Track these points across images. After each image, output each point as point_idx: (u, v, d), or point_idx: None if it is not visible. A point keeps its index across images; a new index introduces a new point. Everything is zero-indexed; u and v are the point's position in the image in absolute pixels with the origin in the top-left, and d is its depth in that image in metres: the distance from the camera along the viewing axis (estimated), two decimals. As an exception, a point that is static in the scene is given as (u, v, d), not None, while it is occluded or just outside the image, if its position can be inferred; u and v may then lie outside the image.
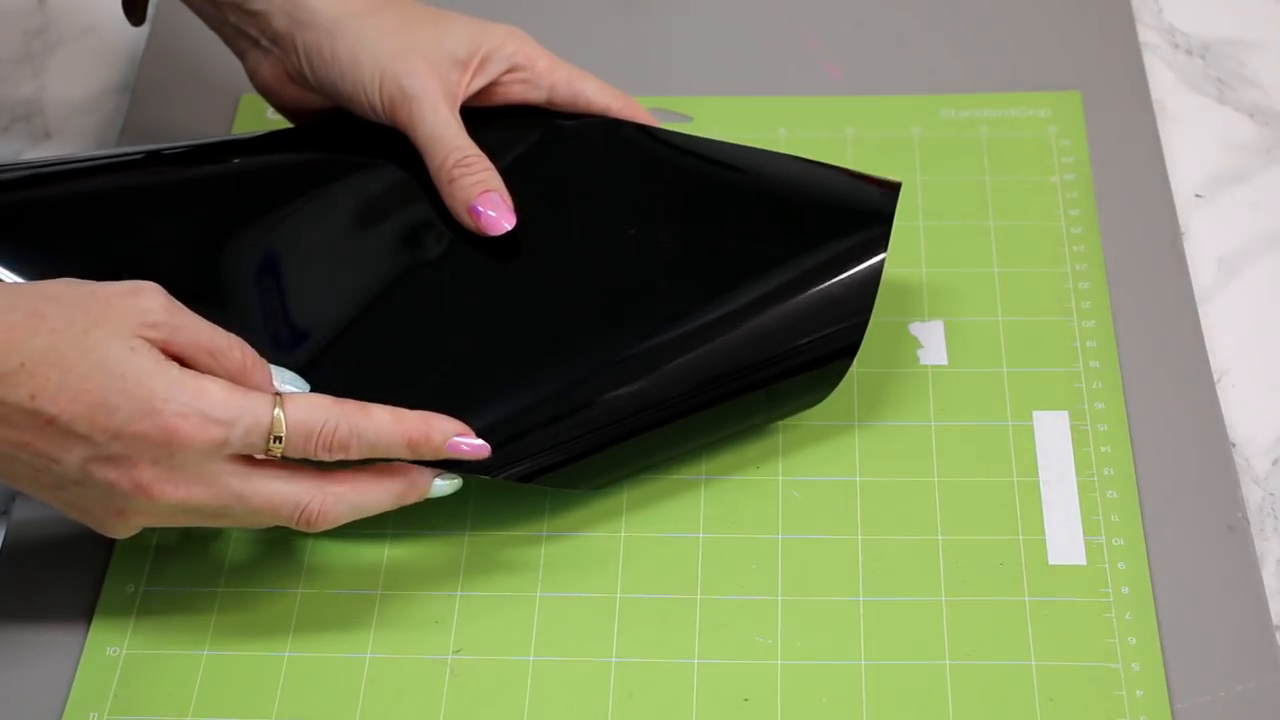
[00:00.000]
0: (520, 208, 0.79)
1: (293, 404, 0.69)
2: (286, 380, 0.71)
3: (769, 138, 0.92)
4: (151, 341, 0.67)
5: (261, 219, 0.79)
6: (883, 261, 0.77)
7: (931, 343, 0.83)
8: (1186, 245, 0.88)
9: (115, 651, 0.75)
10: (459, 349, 0.76)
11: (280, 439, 0.68)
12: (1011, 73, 0.95)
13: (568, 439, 0.74)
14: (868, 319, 0.77)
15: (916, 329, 0.84)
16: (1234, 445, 0.81)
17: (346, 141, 0.82)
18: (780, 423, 0.80)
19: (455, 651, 0.74)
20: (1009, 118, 0.92)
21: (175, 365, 0.67)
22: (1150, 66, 0.96)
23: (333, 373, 0.74)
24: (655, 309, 0.77)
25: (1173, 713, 0.71)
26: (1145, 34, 0.98)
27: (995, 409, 0.81)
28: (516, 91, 0.83)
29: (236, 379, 0.68)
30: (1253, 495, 0.79)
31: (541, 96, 0.83)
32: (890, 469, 0.79)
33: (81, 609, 0.76)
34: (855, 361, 0.78)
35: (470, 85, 0.81)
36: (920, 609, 0.75)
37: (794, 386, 0.78)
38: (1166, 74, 0.96)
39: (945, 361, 0.83)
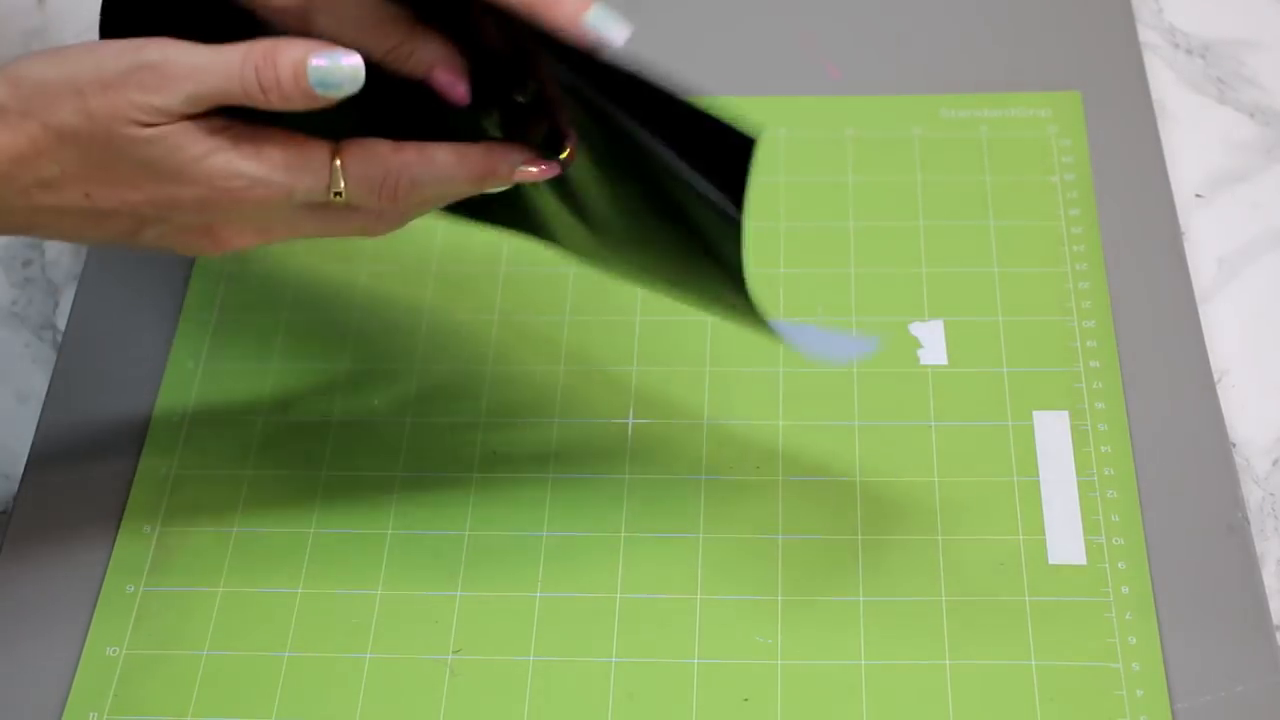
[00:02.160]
0: None
1: (351, 157, 0.68)
2: (325, 64, 0.68)
3: (769, 137, 0.91)
4: (186, 120, 0.66)
5: None
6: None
7: (931, 343, 0.83)
8: (1186, 245, 0.88)
9: (115, 651, 0.75)
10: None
11: (340, 194, 0.69)
12: (1011, 73, 0.95)
13: None
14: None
15: (916, 329, 0.84)
16: (1234, 445, 0.81)
17: None
18: (780, 423, 0.80)
19: (455, 651, 0.74)
20: (1009, 118, 0.93)
21: (224, 139, 0.67)
22: (1150, 66, 0.96)
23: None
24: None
25: (1173, 713, 0.71)
26: (1145, 34, 0.98)
27: (995, 409, 0.81)
28: None
29: (270, 91, 0.67)
30: (1253, 495, 0.79)
31: None
32: (890, 469, 0.79)
33: (81, 609, 0.76)
34: (855, 361, 0.78)
35: None
36: (920, 609, 0.75)
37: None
38: (1166, 74, 0.96)
39: (945, 361, 0.83)
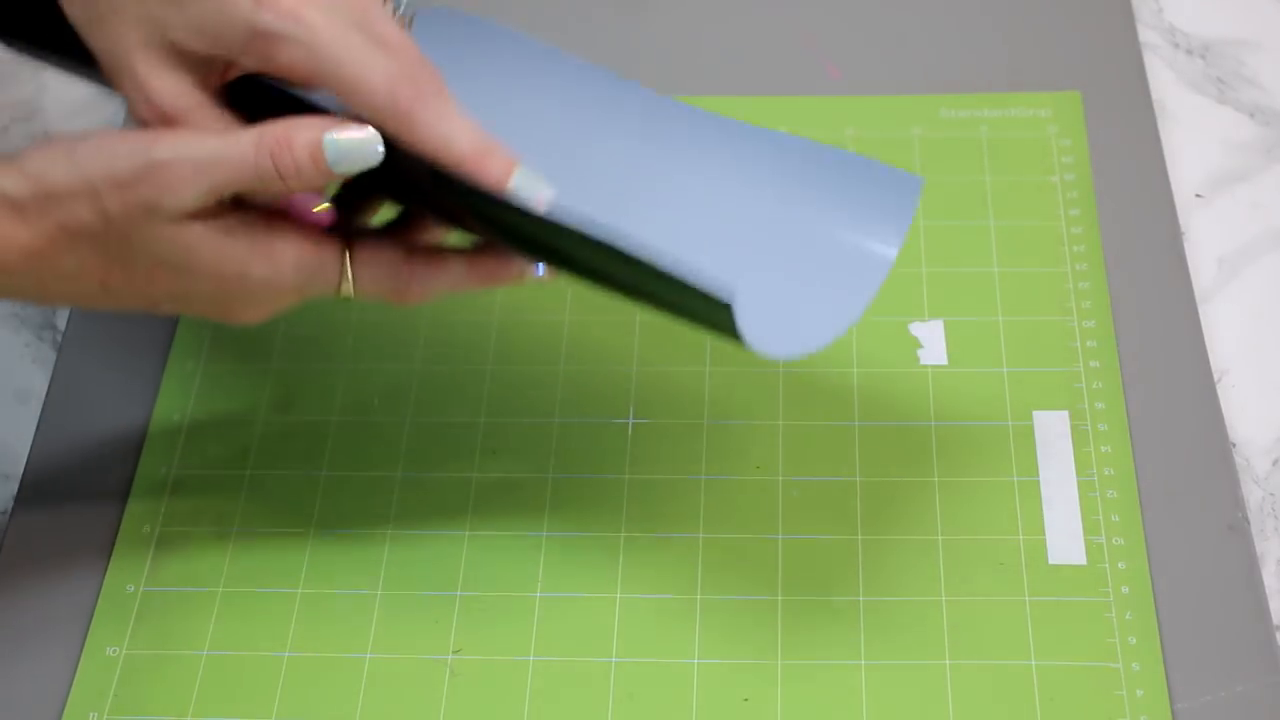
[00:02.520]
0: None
1: (362, 261, 0.69)
2: (338, 146, 0.67)
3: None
4: (200, 219, 0.67)
5: None
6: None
7: (931, 343, 0.83)
8: (1186, 245, 0.88)
9: (115, 651, 0.75)
10: None
11: (350, 296, 0.69)
12: (1011, 73, 0.95)
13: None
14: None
15: (916, 329, 0.84)
16: (1234, 445, 0.81)
17: None
18: (780, 423, 0.80)
19: (455, 651, 0.74)
20: (1009, 118, 0.93)
21: (237, 240, 0.67)
22: (1150, 66, 0.96)
23: None
24: None
25: (1173, 713, 0.71)
26: (1145, 34, 0.98)
27: (995, 409, 0.81)
28: None
29: (289, 176, 0.67)
30: (1253, 495, 0.79)
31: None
32: (890, 469, 0.79)
33: (81, 609, 0.76)
34: (855, 361, 0.78)
35: None
36: (920, 609, 0.75)
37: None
38: (1166, 74, 0.96)
39: (945, 361, 0.83)
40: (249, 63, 0.68)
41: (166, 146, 0.65)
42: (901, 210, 0.74)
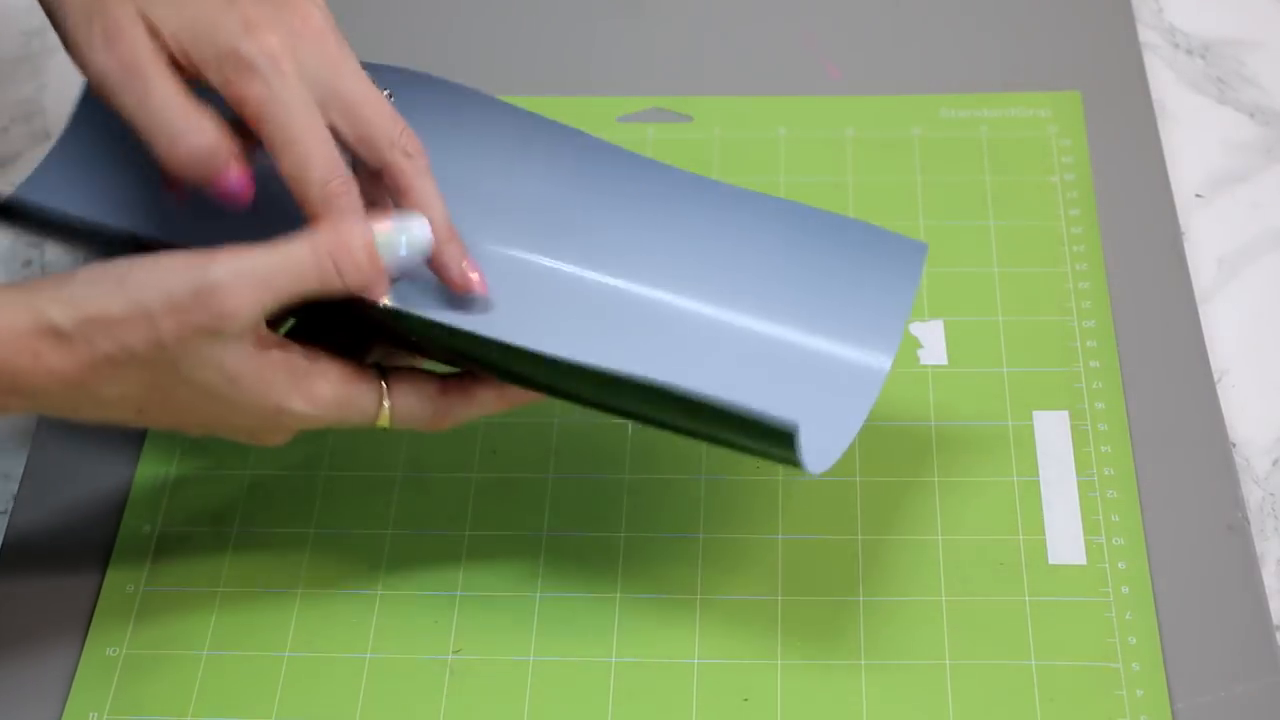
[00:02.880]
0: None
1: (399, 397, 0.70)
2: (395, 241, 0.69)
3: (769, 137, 0.92)
4: (253, 347, 0.67)
5: None
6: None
7: (931, 343, 0.83)
8: (1186, 245, 0.88)
9: (115, 651, 0.75)
10: None
11: (385, 429, 0.70)
12: (1011, 73, 0.95)
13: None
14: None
15: (916, 329, 0.84)
16: (1234, 445, 0.81)
17: None
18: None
19: (455, 651, 0.74)
20: (1009, 118, 0.93)
21: (281, 376, 0.67)
22: (1150, 66, 0.96)
23: None
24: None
25: (1173, 713, 0.71)
26: (1145, 34, 0.98)
27: (995, 409, 0.81)
28: None
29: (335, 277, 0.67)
30: (1253, 495, 0.79)
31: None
32: (890, 469, 0.79)
33: (81, 609, 0.76)
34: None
35: None
36: (920, 609, 0.75)
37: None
38: (1166, 74, 0.96)
39: (945, 361, 0.83)
40: (211, 77, 0.69)
41: (222, 265, 0.65)
42: (898, 306, 0.74)
